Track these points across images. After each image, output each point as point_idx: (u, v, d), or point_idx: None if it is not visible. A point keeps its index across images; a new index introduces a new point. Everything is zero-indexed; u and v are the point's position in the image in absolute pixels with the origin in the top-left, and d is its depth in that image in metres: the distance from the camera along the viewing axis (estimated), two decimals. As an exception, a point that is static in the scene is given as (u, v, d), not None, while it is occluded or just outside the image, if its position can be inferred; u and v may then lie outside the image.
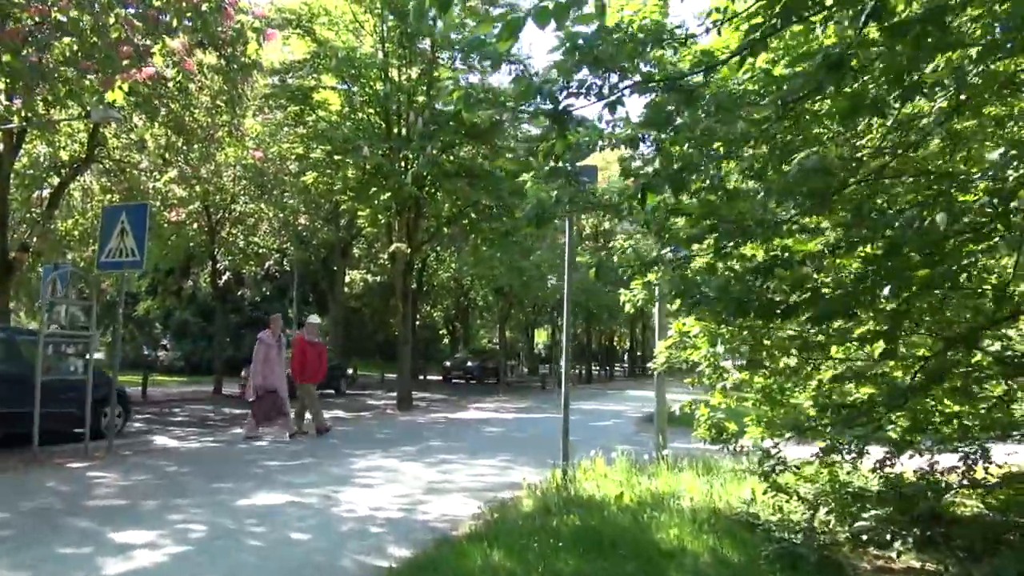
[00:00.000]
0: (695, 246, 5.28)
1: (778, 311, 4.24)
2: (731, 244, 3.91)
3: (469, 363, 35.23)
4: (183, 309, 32.35)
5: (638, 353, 59.46)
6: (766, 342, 6.37)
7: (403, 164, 18.20)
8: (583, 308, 35.40)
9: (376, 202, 18.98)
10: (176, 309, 32.65)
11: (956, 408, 5.70)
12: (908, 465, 5.81)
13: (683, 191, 3.64)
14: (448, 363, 35.91)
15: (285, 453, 9.90)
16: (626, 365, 61.61)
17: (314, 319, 13.23)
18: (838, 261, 4.04)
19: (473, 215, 20.35)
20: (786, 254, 4.14)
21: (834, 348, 5.39)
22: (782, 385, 6.60)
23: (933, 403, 5.68)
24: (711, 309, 4.75)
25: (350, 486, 7.50)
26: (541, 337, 63.35)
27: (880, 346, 4.65)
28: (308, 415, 12.04)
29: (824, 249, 3.57)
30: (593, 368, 47.85)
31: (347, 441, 11.36)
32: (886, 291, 3.74)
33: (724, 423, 6.37)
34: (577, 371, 45.13)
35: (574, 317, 40.85)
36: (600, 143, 4.02)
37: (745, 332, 6.37)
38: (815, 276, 4.04)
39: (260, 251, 29.21)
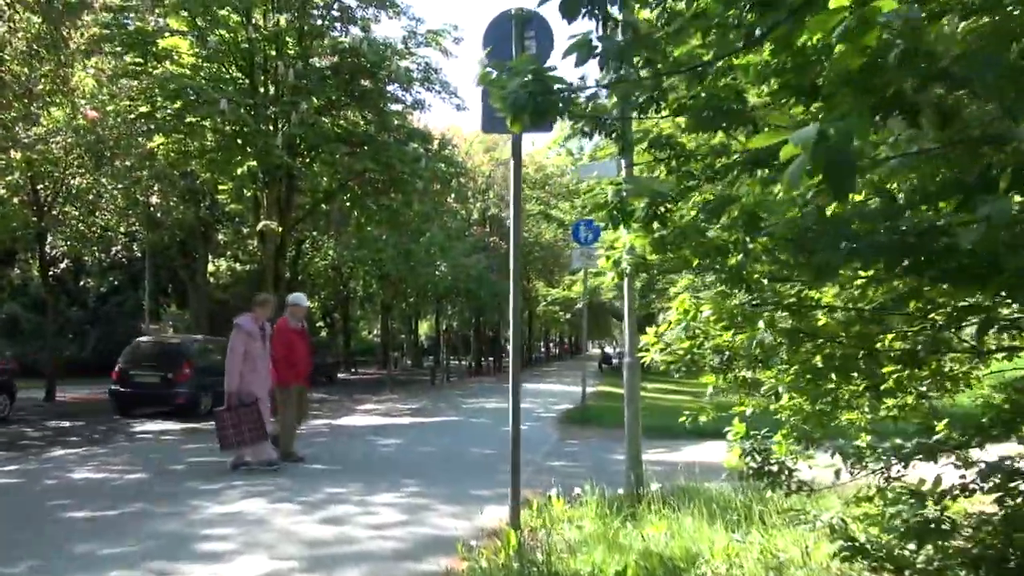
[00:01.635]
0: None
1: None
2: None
3: None
4: (9, 301, 27.84)
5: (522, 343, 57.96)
6: (820, 322, 4.35)
7: (272, 126, 15.32)
8: (474, 297, 33.19)
9: (239, 172, 16.00)
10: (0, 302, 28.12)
11: None
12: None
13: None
14: None
15: (105, 494, 7.10)
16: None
17: (300, 298, 9.79)
18: None
19: (356, 189, 17.68)
20: None
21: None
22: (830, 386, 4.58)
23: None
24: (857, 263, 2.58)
25: (186, 559, 4.90)
26: (424, 328, 60.71)
27: None
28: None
29: None
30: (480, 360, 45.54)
31: (197, 468, 8.62)
32: None
33: (770, 448, 4.27)
34: (466, 363, 43.03)
35: (462, 308, 38.59)
36: None
37: (784, 311, 4.35)
38: None
39: (105, 234, 25.39)
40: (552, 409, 16.84)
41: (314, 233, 27.67)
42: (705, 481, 6.31)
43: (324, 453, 9.86)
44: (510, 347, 5.52)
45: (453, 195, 24.24)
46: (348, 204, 18.39)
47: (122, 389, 14.83)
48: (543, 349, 74.59)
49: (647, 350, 5.06)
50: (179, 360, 14.74)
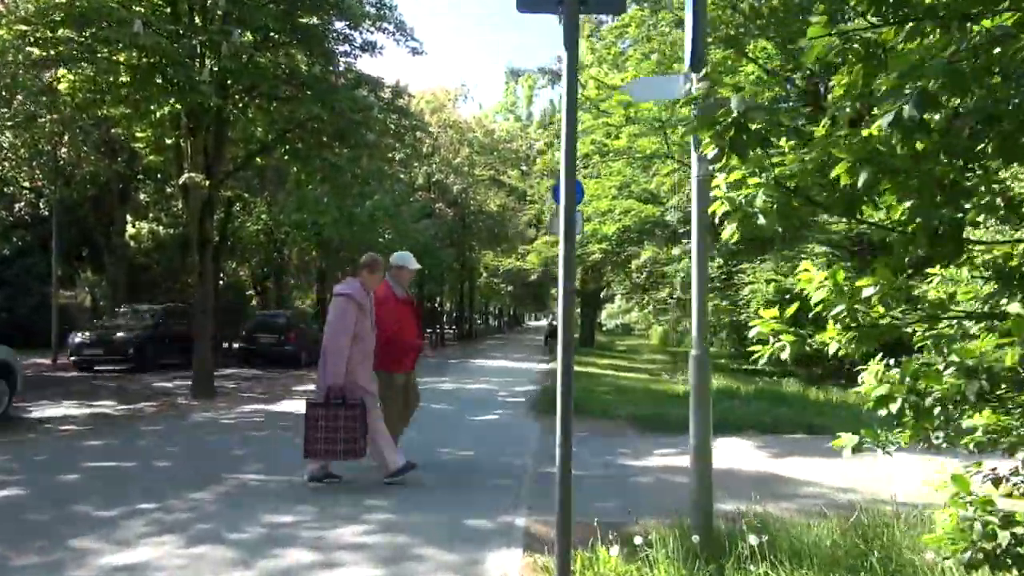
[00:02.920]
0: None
1: None
2: None
3: (121, 334, 19.00)
4: None
5: (464, 315, 56.19)
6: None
7: (198, 61, 13.05)
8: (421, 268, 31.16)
9: (159, 115, 13.70)
10: None
11: None
12: None
13: None
14: (80, 336, 18.93)
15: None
16: (453, 329, 58.24)
17: (407, 258, 7.04)
18: None
19: (296, 141, 15.50)
20: None
21: None
22: None
23: None
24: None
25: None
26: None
27: None
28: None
29: None
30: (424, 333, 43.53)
31: (94, 479, 6.65)
32: None
33: (1013, 517, 2.64)
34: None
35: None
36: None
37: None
38: None
39: (6, 188, 22.63)
40: (515, 392, 15.17)
41: (246, 195, 25.24)
42: (778, 502, 4.73)
43: (261, 456, 7.96)
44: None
45: (407, 151, 22.08)
46: (286, 158, 16.20)
47: (250, 346, 21.59)
48: (480, 322, 73.37)
49: (764, 342, 3.38)
50: (288, 327, 21.61)
